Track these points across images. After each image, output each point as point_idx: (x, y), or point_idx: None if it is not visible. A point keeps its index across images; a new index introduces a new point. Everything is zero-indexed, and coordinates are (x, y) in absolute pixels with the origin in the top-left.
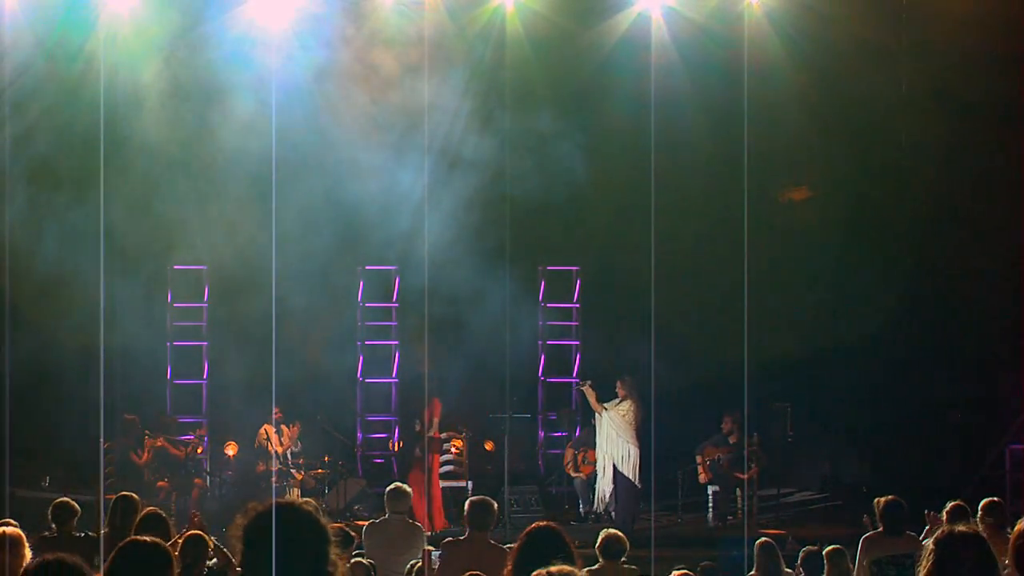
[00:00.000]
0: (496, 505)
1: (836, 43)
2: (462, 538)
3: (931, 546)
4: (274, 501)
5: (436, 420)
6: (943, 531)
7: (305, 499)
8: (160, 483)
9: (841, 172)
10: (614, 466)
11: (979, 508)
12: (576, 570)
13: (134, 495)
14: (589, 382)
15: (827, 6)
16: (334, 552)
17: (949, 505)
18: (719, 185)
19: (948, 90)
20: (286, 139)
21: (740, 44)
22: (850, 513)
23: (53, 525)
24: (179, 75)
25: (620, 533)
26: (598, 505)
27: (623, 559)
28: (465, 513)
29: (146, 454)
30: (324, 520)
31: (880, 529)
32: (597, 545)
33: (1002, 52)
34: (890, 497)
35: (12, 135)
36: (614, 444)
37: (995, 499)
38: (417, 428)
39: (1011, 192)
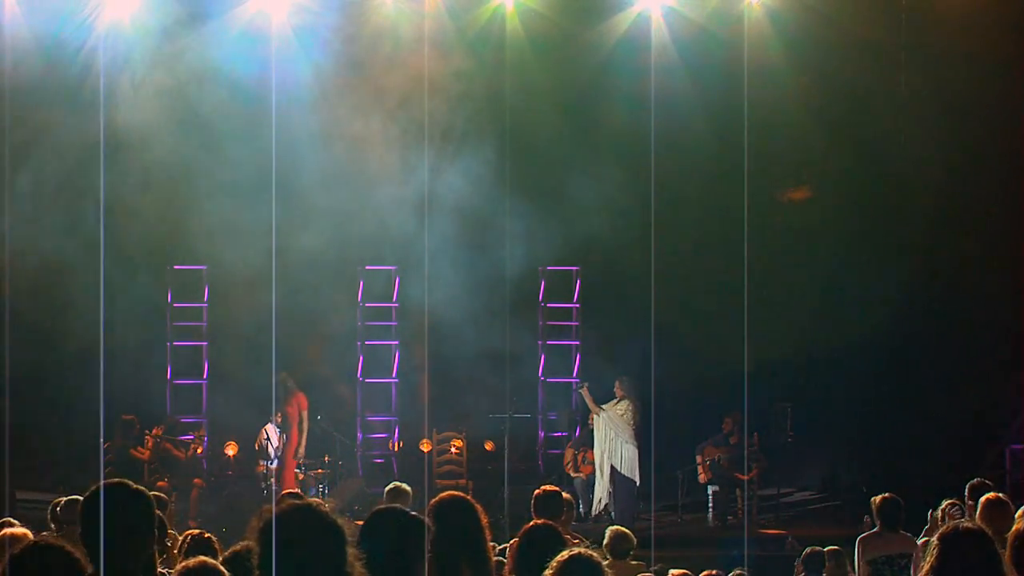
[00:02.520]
0: (410, 490)
1: (836, 43)
2: None
3: (936, 541)
4: (292, 503)
5: (305, 414)
6: (949, 527)
7: (320, 500)
8: (160, 483)
9: (841, 172)
10: (612, 466)
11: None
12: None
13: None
14: (586, 384)
15: (827, 6)
16: (352, 553)
17: (974, 480)
18: (719, 185)
19: (948, 90)
20: (286, 138)
21: (740, 44)
22: (850, 513)
23: (52, 526)
24: (179, 75)
25: (627, 531)
26: (596, 507)
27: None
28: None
29: (147, 451)
30: (341, 521)
31: (876, 528)
32: (604, 544)
33: (1002, 52)
34: (887, 495)
35: (12, 137)
36: (613, 444)
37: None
38: (278, 418)
39: (1011, 192)
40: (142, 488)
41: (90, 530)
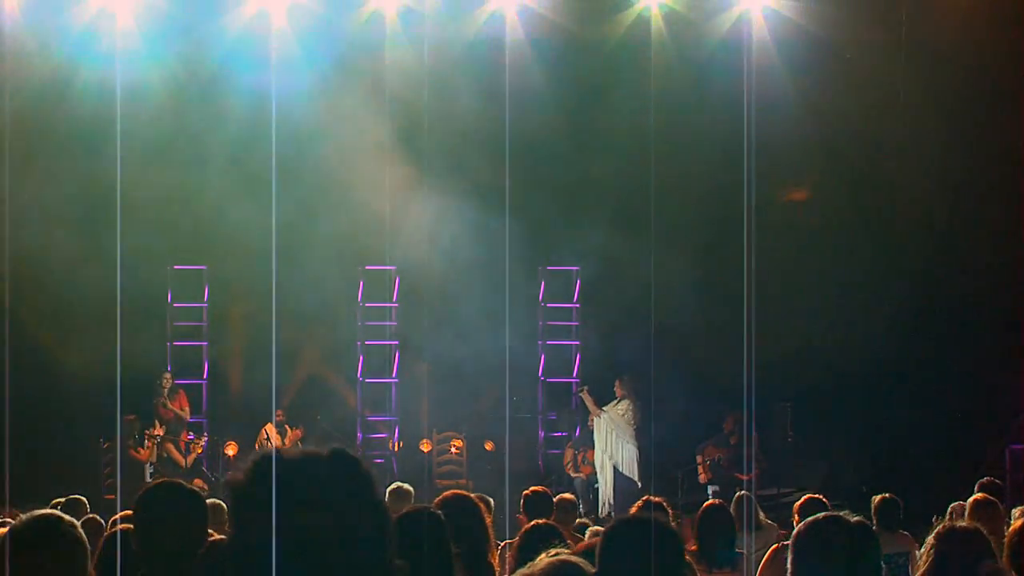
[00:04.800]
0: (411, 491)
1: (836, 43)
2: None
3: (931, 541)
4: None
5: (188, 409)
6: (944, 526)
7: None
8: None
9: (841, 172)
10: (614, 467)
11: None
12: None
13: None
14: (586, 387)
15: (827, 6)
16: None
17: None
18: (720, 185)
19: (948, 90)
20: (286, 138)
21: (740, 44)
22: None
23: None
24: (180, 75)
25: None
26: (602, 508)
27: None
28: (385, 498)
29: (146, 451)
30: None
31: (874, 528)
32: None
33: (1003, 51)
34: (885, 495)
35: (11, 135)
36: (614, 445)
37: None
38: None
39: (1011, 192)
40: (195, 488)
41: (145, 529)
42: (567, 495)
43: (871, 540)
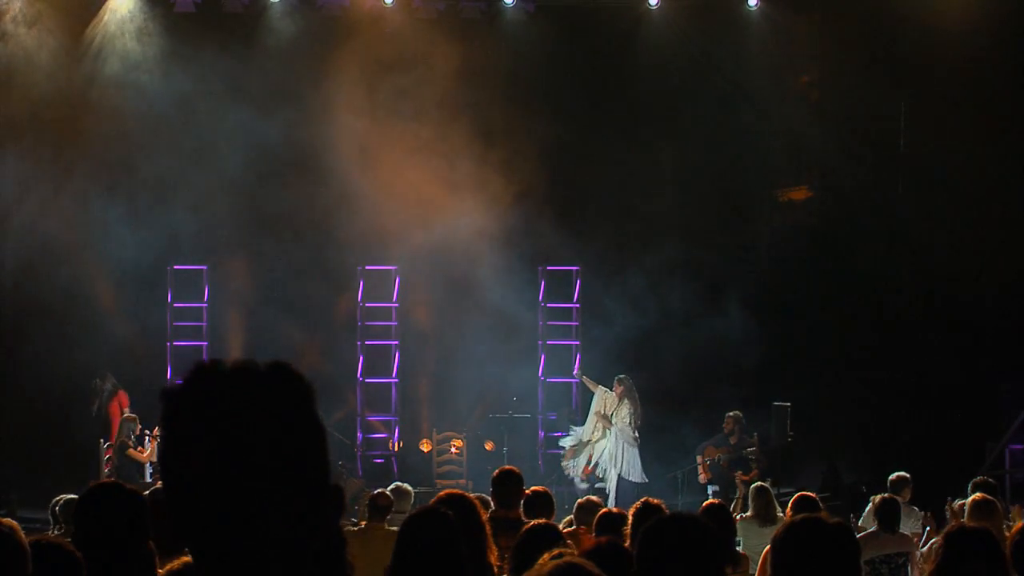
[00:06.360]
0: (412, 491)
1: (836, 43)
2: (355, 529)
3: (941, 540)
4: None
5: (127, 410)
6: (953, 526)
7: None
8: (160, 483)
9: (841, 172)
10: (615, 467)
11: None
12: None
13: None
14: (584, 375)
15: (827, 6)
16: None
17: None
18: (720, 184)
19: (949, 90)
20: (290, 138)
21: (739, 44)
22: (850, 513)
23: (63, 526)
24: (179, 77)
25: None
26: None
27: None
28: (366, 504)
29: (146, 451)
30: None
31: (874, 528)
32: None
33: (1004, 51)
34: (885, 495)
35: (12, 140)
36: (616, 445)
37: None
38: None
39: (1013, 192)
40: (135, 488)
41: (84, 532)
42: (593, 497)
43: (850, 542)
